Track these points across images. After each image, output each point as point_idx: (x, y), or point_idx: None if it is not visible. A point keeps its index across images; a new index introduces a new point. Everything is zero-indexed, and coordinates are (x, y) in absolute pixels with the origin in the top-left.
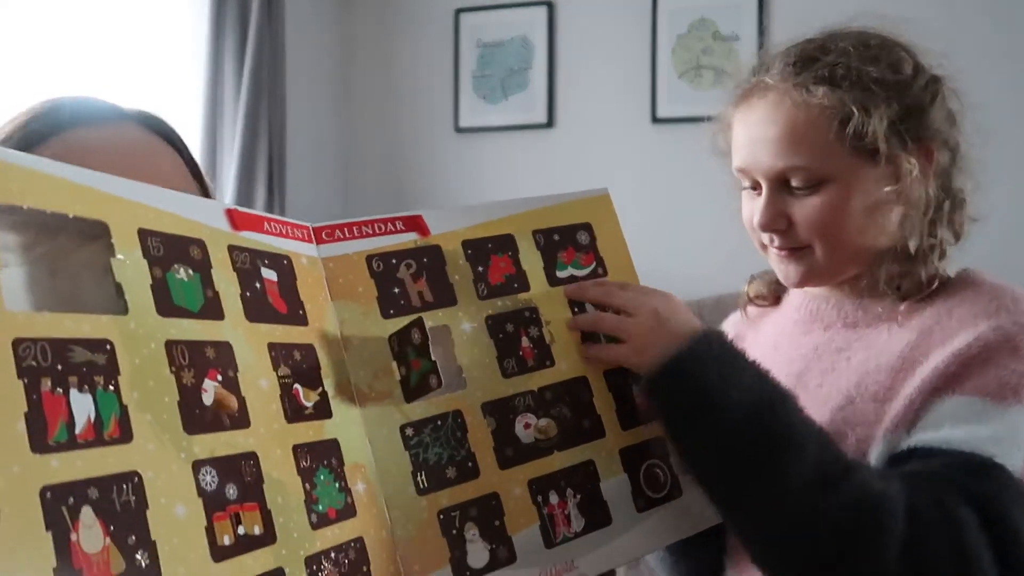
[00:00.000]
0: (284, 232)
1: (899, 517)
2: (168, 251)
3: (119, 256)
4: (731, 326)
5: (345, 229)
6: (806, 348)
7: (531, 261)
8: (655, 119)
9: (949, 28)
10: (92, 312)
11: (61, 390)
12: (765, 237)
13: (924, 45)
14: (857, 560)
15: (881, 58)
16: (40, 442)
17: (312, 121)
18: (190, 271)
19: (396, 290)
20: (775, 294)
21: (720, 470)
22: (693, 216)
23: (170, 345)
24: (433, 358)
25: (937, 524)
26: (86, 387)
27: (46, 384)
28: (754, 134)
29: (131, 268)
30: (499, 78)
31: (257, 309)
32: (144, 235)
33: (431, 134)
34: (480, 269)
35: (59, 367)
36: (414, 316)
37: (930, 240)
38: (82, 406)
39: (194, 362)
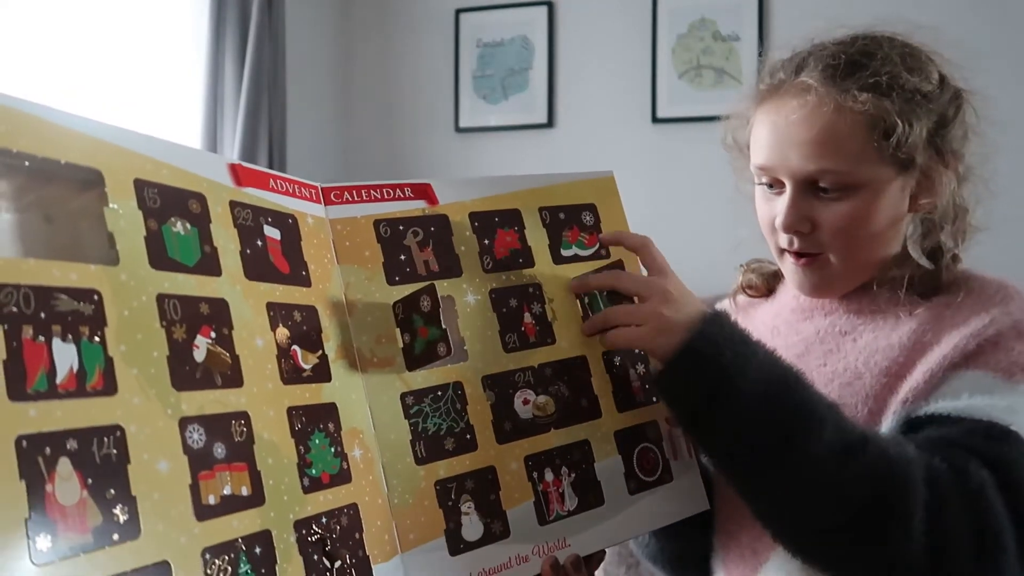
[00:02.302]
0: (291, 191)
1: (919, 482)
2: (165, 203)
3: (112, 205)
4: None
5: (354, 191)
6: (807, 332)
7: (536, 237)
8: (655, 119)
9: (953, 30)
10: (71, 258)
11: (43, 338)
12: (783, 240)
13: (946, 55)
14: (882, 526)
15: (919, 68)
16: (18, 390)
17: (312, 120)
18: (187, 225)
19: (402, 257)
20: (768, 286)
21: (742, 449)
22: (693, 216)
23: (162, 299)
24: (444, 325)
25: (957, 487)
26: (70, 336)
27: (27, 331)
28: (786, 133)
29: (124, 218)
30: (499, 78)
31: (257, 267)
32: (140, 185)
33: (431, 134)
34: (486, 242)
35: (42, 315)
36: (420, 284)
37: (942, 248)
38: (65, 356)
39: (186, 317)
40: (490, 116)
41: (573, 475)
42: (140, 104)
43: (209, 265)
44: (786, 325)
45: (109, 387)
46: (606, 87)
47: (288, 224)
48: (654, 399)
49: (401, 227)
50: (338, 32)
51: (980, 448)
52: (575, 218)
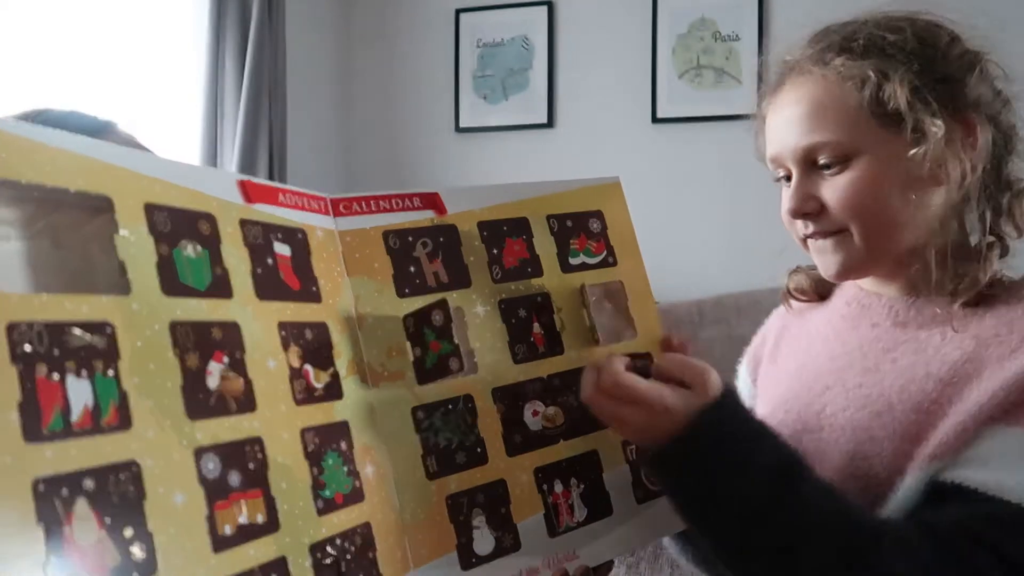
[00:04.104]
0: (300, 204)
1: None
2: (176, 226)
3: (123, 232)
4: (777, 318)
5: (363, 202)
6: (851, 344)
7: (545, 246)
8: (655, 119)
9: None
10: (93, 291)
11: (58, 376)
12: (801, 227)
13: (970, 24)
14: None
15: (904, 28)
16: (34, 431)
17: (312, 121)
18: (198, 247)
19: (412, 269)
20: (818, 290)
21: (734, 557)
22: (693, 216)
23: (174, 326)
24: (456, 341)
25: None
26: (84, 372)
27: (41, 370)
28: (782, 117)
29: (135, 245)
30: (499, 78)
31: (268, 286)
32: (151, 210)
33: (431, 134)
34: (495, 251)
35: (56, 352)
36: (430, 296)
37: (989, 237)
38: (79, 392)
39: (199, 344)
40: (490, 116)
41: (582, 486)
42: (140, 105)
43: (220, 287)
44: (835, 333)
45: (124, 422)
46: (606, 87)
47: (297, 239)
48: None
49: (410, 238)
50: (338, 33)
51: (1005, 545)
52: (582, 225)
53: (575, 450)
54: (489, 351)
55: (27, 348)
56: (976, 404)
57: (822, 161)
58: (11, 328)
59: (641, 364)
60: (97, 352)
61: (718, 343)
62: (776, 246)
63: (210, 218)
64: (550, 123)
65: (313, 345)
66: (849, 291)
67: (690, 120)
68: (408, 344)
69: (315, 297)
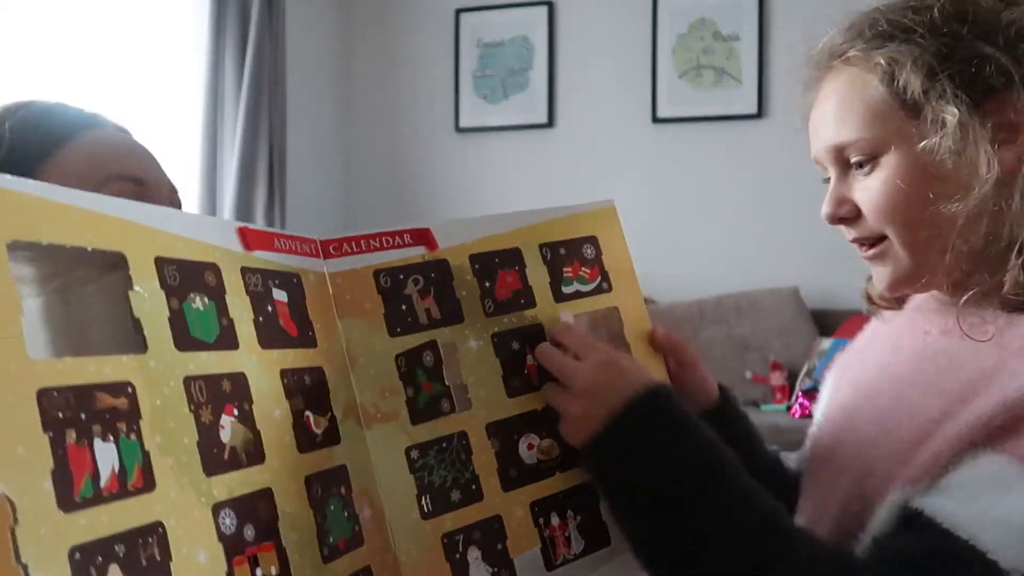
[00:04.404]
0: (292, 248)
1: None
2: (184, 279)
3: (136, 288)
4: (871, 323)
5: (353, 243)
6: (903, 355)
7: (538, 276)
8: (655, 119)
9: None
10: (110, 349)
11: (86, 441)
12: (845, 233)
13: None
14: None
15: (931, 3)
16: (67, 499)
17: (312, 121)
18: (205, 299)
19: (403, 307)
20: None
21: (643, 556)
22: (693, 216)
23: (188, 381)
24: (447, 383)
25: None
26: (110, 436)
27: (71, 436)
28: (815, 116)
29: (149, 301)
30: (499, 78)
31: (269, 334)
32: (160, 264)
33: (431, 134)
34: (487, 284)
35: (83, 416)
36: (423, 334)
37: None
38: (106, 456)
39: (212, 398)
40: (490, 116)
41: (579, 517)
42: (140, 105)
43: (227, 339)
44: (893, 342)
45: (148, 483)
46: (606, 87)
47: (293, 284)
48: None
49: (401, 276)
50: (338, 32)
51: None
52: (576, 252)
53: (571, 481)
54: (483, 386)
55: (57, 415)
56: (965, 424)
57: (853, 160)
58: (41, 395)
59: None
60: (120, 414)
61: (718, 343)
62: (776, 246)
63: (215, 268)
64: (550, 123)
65: (312, 391)
66: (919, 295)
67: (690, 120)
68: (401, 384)
69: (311, 342)
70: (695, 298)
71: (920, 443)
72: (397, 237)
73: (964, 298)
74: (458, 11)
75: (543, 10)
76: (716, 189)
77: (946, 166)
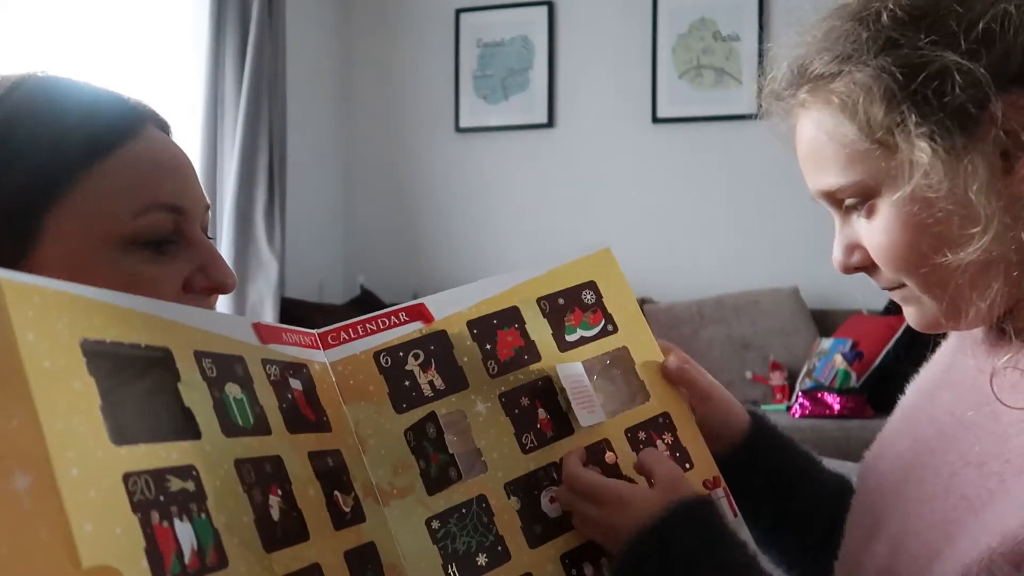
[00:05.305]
0: (297, 341)
1: None
2: (219, 371)
3: (183, 380)
4: (949, 341)
5: (350, 330)
6: (955, 391)
7: (539, 330)
8: (655, 119)
9: None
10: (169, 436)
11: (167, 521)
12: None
13: None
14: None
15: (880, 9)
16: None
17: (312, 121)
18: (239, 389)
19: (407, 383)
20: None
21: None
22: (693, 216)
23: (238, 464)
24: (451, 451)
25: None
26: (185, 516)
27: (155, 516)
28: (798, 159)
29: (195, 391)
30: (499, 78)
31: (293, 420)
32: (199, 357)
33: (431, 134)
34: (488, 347)
35: (161, 498)
36: (429, 405)
37: None
38: (185, 535)
39: (259, 480)
40: (490, 116)
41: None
42: None
43: (262, 425)
44: (946, 370)
45: (222, 560)
46: (606, 87)
47: (304, 374)
48: (687, 466)
49: (401, 353)
50: (338, 32)
51: None
52: (576, 300)
53: None
54: (496, 447)
55: (142, 497)
56: (996, 538)
57: (847, 204)
58: (127, 478)
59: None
60: (190, 495)
61: (718, 343)
62: (776, 246)
63: (242, 361)
64: (550, 123)
65: (335, 473)
66: None
67: (690, 120)
68: (413, 458)
69: (327, 427)
70: (695, 298)
71: (958, 532)
72: (393, 316)
73: (1002, 362)
74: (458, 11)
75: (543, 10)
76: (716, 189)
77: (937, 211)
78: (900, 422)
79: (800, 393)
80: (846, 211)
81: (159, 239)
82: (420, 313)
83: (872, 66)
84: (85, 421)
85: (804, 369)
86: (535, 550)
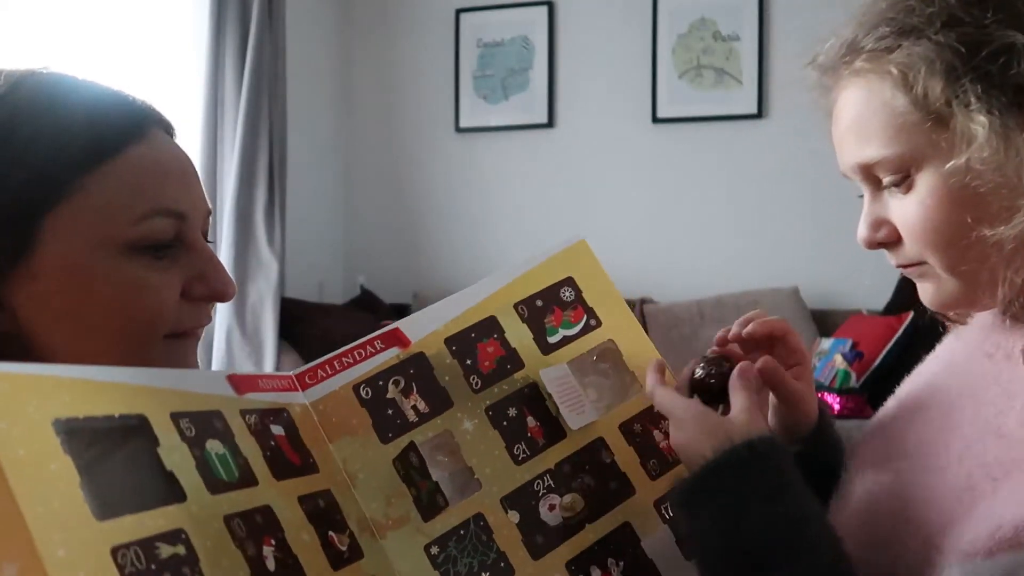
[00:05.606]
0: (274, 386)
1: None
2: (198, 429)
3: (162, 444)
4: (944, 342)
5: (326, 366)
6: (957, 377)
7: (519, 336)
8: (655, 119)
9: None
10: (155, 503)
11: None
12: (888, 257)
13: None
14: None
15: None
16: None
17: (312, 121)
18: (220, 444)
19: (390, 411)
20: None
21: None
22: (693, 216)
23: (228, 520)
24: (443, 471)
25: None
26: None
27: None
28: (835, 132)
29: (176, 453)
30: (499, 78)
31: (280, 466)
32: (176, 419)
33: (431, 134)
34: (469, 362)
35: (153, 567)
36: (411, 434)
37: None
38: None
39: (251, 533)
40: (490, 116)
41: (622, 563)
42: None
43: (247, 476)
44: (949, 359)
45: None
46: (606, 87)
47: (284, 418)
48: None
49: (380, 382)
50: (338, 32)
51: None
52: (554, 299)
53: (605, 529)
54: (488, 463)
55: (132, 569)
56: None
57: (884, 180)
58: (115, 552)
59: (716, 372)
60: (182, 559)
61: None
62: (776, 246)
63: (220, 415)
64: (550, 123)
65: (328, 513)
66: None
67: (690, 120)
68: (404, 486)
69: (314, 468)
70: (695, 298)
71: (975, 500)
72: (368, 346)
73: None
74: (458, 11)
75: (543, 10)
76: (716, 189)
77: (985, 184)
78: (896, 408)
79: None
80: (876, 185)
81: (159, 244)
82: (396, 338)
83: (934, 40)
84: (66, 501)
85: None
86: (539, 561)
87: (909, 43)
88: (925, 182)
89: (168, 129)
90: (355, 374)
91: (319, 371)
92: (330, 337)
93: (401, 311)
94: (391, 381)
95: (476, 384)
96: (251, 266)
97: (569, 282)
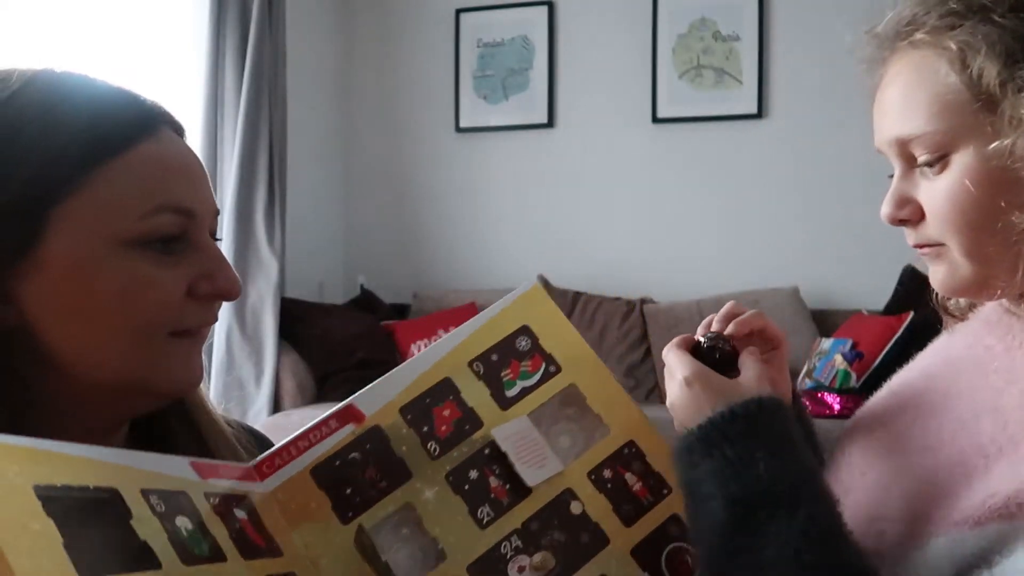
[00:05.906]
0: (235, 475)
1: None
2: (168, 506)
3: (135, 516)
4: (938, 339)
5: (283, 453)
6: (953, 365)
7: (475, 395)
8: (655, 119)
9: None
10: (131, 568)
11: None
12: (907, 236)
13: None
14: None
15: None
16: None
17: (312, 121)
18: (188, 521)
19: (348, 491)
20: (968, 304)
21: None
22: (693, 216)
23: None
24: (401, 554)
25: None
26: None
27: None
28: (878, 103)
29: (148, 526)
30: (500, 78)
31: (245, 547)
32: (146, 494)
33: (431, 134)
34: (425, 428)
35: None
36: (377, 508)
37: None
38: None
39: None
40: (490, 116)
41: None
42: None
43: (217, 553)
44: (946, 349)
45: None
46: (606, 87)
47: (246, 503)
48: (664, 491)
49: (338, 462)
50: (338, 33)
51: None
52: (510, 351)
53: None
54: (451, 531)
55: None
56: (1015, 487)
57: (920, 158)
58: None
59: (722, 345)
60: None
61: None
62: (776, 246)
63: (185, 495)
64: (550, 123)
65: None
66: (987, 306)
67: (690, 120)
68: (369, 567)
69: (278, 551)
70: (695, 298)
71: (969, 474)
72: (323, 427)
73: None
74: (458, 11)
75: (543, 10)
76: (716, 189)
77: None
78: (888, 395)
79: (800, 393)
80: (909, 162)
81: (166, 239)
82: (350, 415)
83: (999, 23)
84: (50, 558)
85: (804, 369)
86: None
87: (973, 22)
88: (962, 162)
89: (178, 129)
90: (311, 457)
91: (275, 459)
92: (330, 337)
93: (401, 311)
94: (348, 459)
95: (434, 450)
96: (251, 266)
97: (525, 331)
